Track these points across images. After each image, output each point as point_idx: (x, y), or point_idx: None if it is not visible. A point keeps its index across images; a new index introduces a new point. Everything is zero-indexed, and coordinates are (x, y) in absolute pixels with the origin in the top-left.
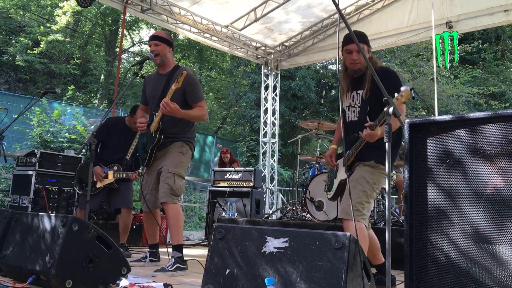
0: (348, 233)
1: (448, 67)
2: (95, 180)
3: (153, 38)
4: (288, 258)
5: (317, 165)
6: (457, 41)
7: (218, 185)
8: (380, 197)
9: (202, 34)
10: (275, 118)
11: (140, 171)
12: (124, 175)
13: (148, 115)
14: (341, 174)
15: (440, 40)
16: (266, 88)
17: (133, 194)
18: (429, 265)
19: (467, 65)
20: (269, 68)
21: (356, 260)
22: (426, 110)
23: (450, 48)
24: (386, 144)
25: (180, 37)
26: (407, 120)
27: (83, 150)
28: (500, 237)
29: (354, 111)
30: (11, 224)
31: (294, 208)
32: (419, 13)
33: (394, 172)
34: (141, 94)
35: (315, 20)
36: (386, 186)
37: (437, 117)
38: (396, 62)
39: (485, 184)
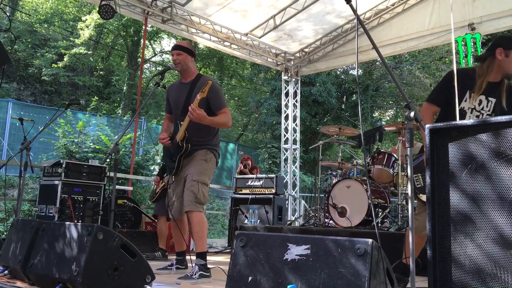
0: (370, 240)
1: None
2: (155, 188)
3: (175, 48)
4: (310, 265)
5: (339, 171)
6: (480, 43)
7: (240, 192)
8: (404, 203)
9: (222, 42)
10: (296, 125)
11: (165, 177)
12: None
13: (172, 124)
14: None
15: (462, 43)
16: (287, 94)
17: None
18: (453, 271)
19: None
20: (289, 75)
21: (379, 267)
22: None
23: (473, 50)
24: (408, 149)
25: (201, 46)
26: (427, 125)
27: (107, 160)
28: None
29: (478, 116)
30: (38, 233)
31: (316, 215)
32: (440, 16)
33: None
34: (164, 103)
35: (335, 26)
36: (409, 191)
37: (458, 122)
38: (418, 66)
39: (509, 188)
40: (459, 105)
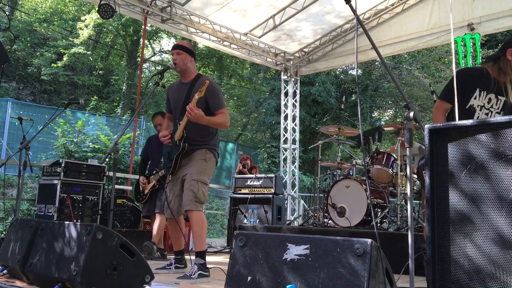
0: (369, 240)
1: None
2: (143, 188)
3: (175, 47)
4: (309, 265)
5: (338, 171)
6: (479, 43)
7: (239, 192)
8: (403, 203)
9: (221, 42)
10: (295, 124)
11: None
12: (160, 174)
13: (172, 124)
14: None
15: (462, 43)
16: (286, 94)
17: None
18: (452, 271)
19: None
20: (289, 75)
21: (378, 267)
22: None
23: (472, 51)
24: (408, 149)
25: (200, 45)
26: (427, 125)
27: (107, 159)
28: None
29: (487, 114)
30: (37, 233)
31: (315, 215)
32: (440, 16)
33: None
34: (165, 103)
35: (334, 26)
36: (408, 191)
37: (458, 122)
38: (417, 66)
39: (508, 189)
40: (468, 102)
